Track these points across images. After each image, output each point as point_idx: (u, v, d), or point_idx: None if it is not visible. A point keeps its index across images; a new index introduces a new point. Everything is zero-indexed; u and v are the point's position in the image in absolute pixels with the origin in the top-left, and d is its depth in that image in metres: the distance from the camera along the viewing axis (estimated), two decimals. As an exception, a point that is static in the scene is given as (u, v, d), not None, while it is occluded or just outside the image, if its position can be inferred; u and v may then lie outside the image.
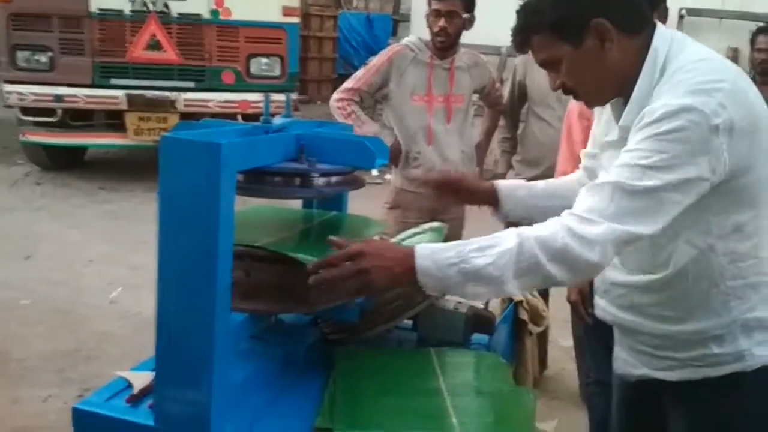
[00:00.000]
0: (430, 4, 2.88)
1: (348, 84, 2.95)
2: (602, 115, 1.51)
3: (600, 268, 1.24)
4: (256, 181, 1.33)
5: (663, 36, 1.31)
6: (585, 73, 1.32)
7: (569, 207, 1.26)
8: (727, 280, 1.31)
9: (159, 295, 1.18)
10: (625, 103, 1.33)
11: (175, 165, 1.13)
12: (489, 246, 1.21)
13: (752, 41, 3.84)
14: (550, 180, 1.75)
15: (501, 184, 1.69)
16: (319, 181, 1.37)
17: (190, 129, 1.33)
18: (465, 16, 2.85)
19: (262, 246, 1.35)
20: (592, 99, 1.41)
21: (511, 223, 1.42)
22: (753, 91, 1.28)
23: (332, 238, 1.30)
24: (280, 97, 1.69)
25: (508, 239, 1.22)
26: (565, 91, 1.37)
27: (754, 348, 1.34)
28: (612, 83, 1.34)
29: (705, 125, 1.18)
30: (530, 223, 1.27)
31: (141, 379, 1.34)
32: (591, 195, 1.24)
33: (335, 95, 2.96)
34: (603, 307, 1.52)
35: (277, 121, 1.47)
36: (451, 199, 1.77)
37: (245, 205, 1.54)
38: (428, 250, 1.24)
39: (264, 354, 1.47)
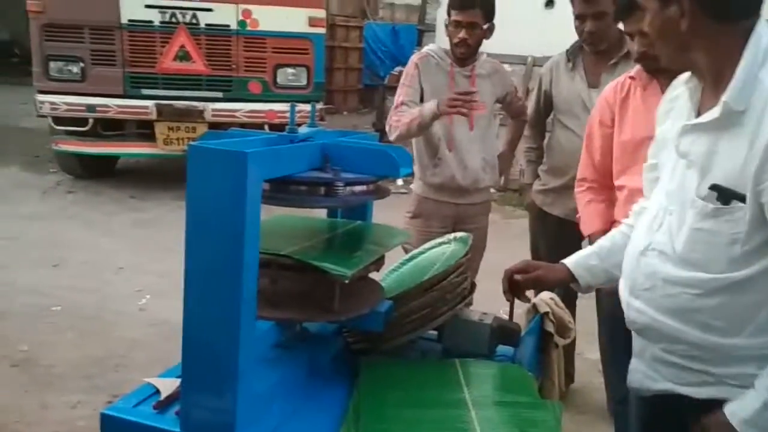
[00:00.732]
0: (449, 14, 2.86)
1: (394, 105, 2.96)
2: (667, 117, 1.48)
3: None
4: (282, 190, 1.34)
5: (765, 24, 1.29)
6: (658, 34, 1.34)
7: None
8: None
9: (186, 302, 1.19)
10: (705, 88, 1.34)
11: (202, 173, 1.15)
12: None
13: None
14: (610, 234, 1.69)
15: (572, 262, 1.66)
16: (344, 190, 1.37)
17: (217, 138, 1.34)
18: (485, 26, 2.84)
19: (288, 254, 1.36)
20: (662, 60, 1.41)
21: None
22: None
23: None
24: (306, 107, 1.70)
25: None
26: (642, 39, 1.41)
27: None
28: (681, 58, 1.35)
29: None
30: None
31: (168, 386, 1.35)
32: None
33: (387, 123, 2.95)
34: (638, 308, 1.42)
35: (303, 130, 1.48)
36: (529, 290, 1.72)
37: (270, 214, 1.55)
38: (744, 424, 1.27)
39: (289, 362, 1.48)
